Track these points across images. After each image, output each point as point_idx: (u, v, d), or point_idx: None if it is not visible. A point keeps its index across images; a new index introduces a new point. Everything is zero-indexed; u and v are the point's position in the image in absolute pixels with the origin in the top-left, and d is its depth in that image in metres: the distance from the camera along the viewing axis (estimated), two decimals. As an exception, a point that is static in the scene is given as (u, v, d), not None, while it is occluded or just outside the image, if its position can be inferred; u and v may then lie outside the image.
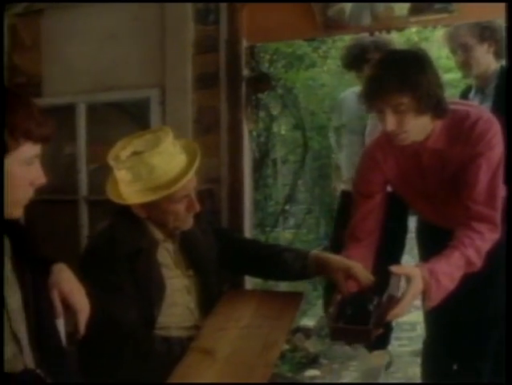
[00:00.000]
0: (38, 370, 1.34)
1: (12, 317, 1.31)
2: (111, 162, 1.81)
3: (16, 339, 1.32)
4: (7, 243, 1.36)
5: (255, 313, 1.88)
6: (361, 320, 1.67)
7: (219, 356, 1.66)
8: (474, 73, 2.56)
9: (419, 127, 1.80)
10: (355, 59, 2.85)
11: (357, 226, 2.04)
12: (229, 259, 2.06)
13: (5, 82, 2.84)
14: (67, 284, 1.44)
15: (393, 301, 1.64)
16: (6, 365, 1.26)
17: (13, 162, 1.24)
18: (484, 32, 2.45)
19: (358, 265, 1.85)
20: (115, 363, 1.71)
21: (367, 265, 1.98)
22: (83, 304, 1.43)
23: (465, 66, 2.57)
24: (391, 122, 1.75)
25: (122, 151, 1.80)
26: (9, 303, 1.31)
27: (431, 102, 1.75)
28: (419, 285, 1.66)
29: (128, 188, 1.80)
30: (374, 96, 1.77)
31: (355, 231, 2.05)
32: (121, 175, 1.80)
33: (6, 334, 1.29)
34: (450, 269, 1.71)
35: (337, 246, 2.86)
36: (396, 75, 1.72)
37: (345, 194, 3.02)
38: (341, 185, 3.16)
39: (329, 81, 4.10)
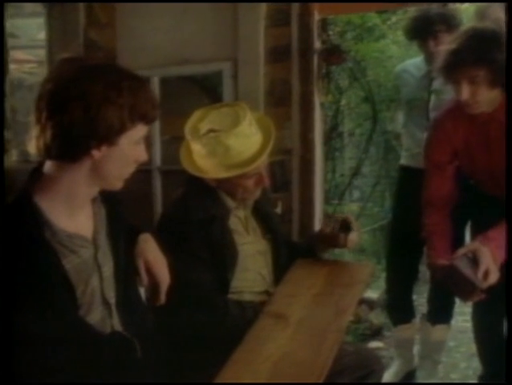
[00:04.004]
0: (124, 333, 1.39)
1: (105, 283, 1.36)
2: (188, 135, 1.85)
3: (106, 304, 1.37)
4: (103, 212, 1.42)
5: (326, 281, 1.92)
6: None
7: (292, 320, 1.69)
8: None
9: (490, 99, 1.89)
10: (420, 31, 2.74)
11: (434, 195, 2.12)
12: None
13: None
14: (152, 254, 1.48)
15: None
16: (94, 327, 1.33)
17: (126, 141, 1.28)
18: None
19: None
20: (192, 326, 1.78)
21: (446, 234, 2.07)
22: (164, 275, 1.48)
23: None
24: (465, 92, 1.85)
25: (199, 124, 1.84)
26: (103, 271, 1.36)
27: (504, 76, 1.82)
28: (486, 251, 1.77)
29: (202, 161, 1.85)
30: (452, 68, 1.86)
31: (432, 199, 2.12)
32: (196, 148, 1.85)
33: (96, 298, 1.35)
34: (501, 237, 1.80)
35: (398, 220, 2.87)
36: (475, 50, 1.81)
37: (403, 168, 2.95)
38: (400, 160, 3.09)
39: (397, 52, 4.02)
